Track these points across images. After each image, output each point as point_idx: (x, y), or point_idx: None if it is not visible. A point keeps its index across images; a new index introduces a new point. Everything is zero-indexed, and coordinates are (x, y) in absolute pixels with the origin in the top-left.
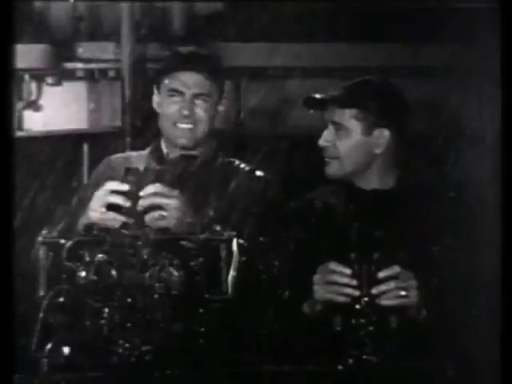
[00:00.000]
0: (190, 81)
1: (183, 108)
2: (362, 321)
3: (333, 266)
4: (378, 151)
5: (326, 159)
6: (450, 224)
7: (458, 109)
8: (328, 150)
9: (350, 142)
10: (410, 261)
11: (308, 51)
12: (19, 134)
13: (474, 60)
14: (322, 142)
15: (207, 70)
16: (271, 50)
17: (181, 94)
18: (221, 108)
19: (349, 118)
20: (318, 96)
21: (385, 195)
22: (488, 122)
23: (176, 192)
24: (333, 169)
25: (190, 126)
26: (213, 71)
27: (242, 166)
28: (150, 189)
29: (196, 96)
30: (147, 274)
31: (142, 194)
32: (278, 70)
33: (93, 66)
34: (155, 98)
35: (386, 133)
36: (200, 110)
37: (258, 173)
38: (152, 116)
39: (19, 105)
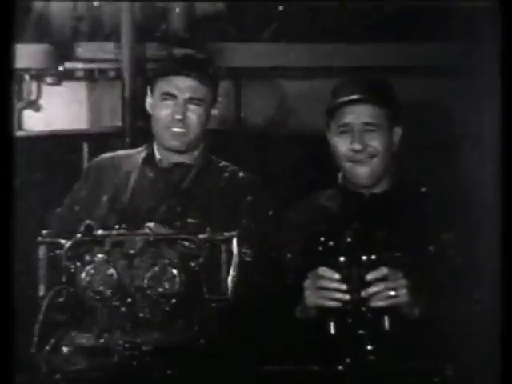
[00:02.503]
0: (183, 85)
1: (176, 112)
2: (356, 323)
3: (322, 271)
4: (394, 149)
5: (357, 165)
6: (447, 224)
7: (458, 109)
8: (361, 153)
9: (383, 140)
10: (404, 261)
11: (308, 51)
12: (19, 133)
13: (474, 60)
14: (357, 146)
15: (202, 75)
16: (272, 50)
17: (174, 97)
18: (214, 112)
19: (381, 117)
20: (356, 97)
21: (381, 198)
22: (488, 122)
23: (170, 230)
24: (363, 171)
25: (181, 130)
26: (207, 76)
27: (237, 172)
28: (151, 225)
29: (189, 100)
30: (147, 274)
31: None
32: (278, 70)
33: (93, 65)
34: (148, 100)
35: (400, 131)
36: (192, 115)
37: (253, 178)
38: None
39: (19, 105)
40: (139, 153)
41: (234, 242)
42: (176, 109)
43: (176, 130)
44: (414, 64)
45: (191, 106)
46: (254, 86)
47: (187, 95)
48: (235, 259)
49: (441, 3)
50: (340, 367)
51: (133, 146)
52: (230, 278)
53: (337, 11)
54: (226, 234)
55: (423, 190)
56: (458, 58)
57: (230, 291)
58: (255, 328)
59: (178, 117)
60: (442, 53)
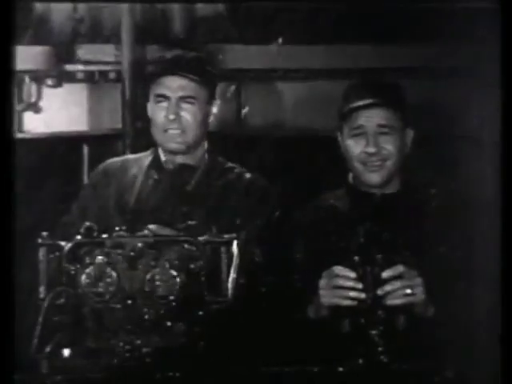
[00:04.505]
0: (174, 84)
1: (169, 112)
2: (370, 321)
3: (338, 270)
4: (406, 151)
5: (371, 166)
6: (451, 225)
7: (458, 109)
8: (376, 156)
9: (396, 142)
10: (414, 260)
11: (309, 53)
12: (19, 135)
13: (474, 60)
14: (371, 149)
15: (193, 73)
16: (273, 52)
17: (167, 98)
18: (214, 110)
19: (394, 119)
20: (370, 101)
21: (392, 198)
22: (488, 122)
23: (170, 232)
24: (378, 176)
25: (178, 131)
26: (199, 73)
27: (243, 173)
28: (153, 227)
29: (182, 99)
30: (147, 276)
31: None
32: (279, 71)
33: (93, 67)
34: (149, 106)
35: (412, 132)
36: (187, 114)
37: (259, 179)
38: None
39: (19, 106)
40: (146, 157)
41: (235, 244)
42: (169, 109)
43: (172, 132)
44: (414, 65)
45: (184, 105)
46: (254, 88)
47: (179, 94)
48: (236, 261)
49: (441, 4)
50: (342, 369)
51: (133, 148)
52: (230, 280)
53: (337, 12)
54: (226, 236)
55: (433, 191)
56: (458, 58)
57: (230, 293)
58: (258, 329)
59: (172, 117)
60: (442, 53)
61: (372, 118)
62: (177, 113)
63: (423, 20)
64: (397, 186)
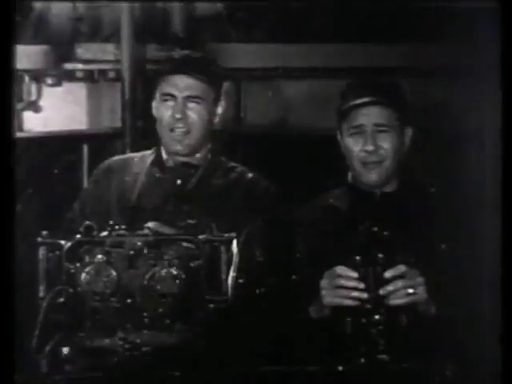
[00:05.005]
0: (182, 84)
1: (176, 111)
2: (372, 321)
3: (340, 270)
4: (405, 149)
5: (370, 165)
6: (451, 224)
7: (458, 109)
8: (374, 154)
9: (395, 141)
10: (415, 260)
11: (309, 52)
12: (19, 134)
13: (474, 60)
14: (369, 148)
15: (200, 73)
16: (272, 50)
17: (173, 97)
18: (219, 110)
19: (392, 118)
20: (368, 99)
21: (389, 197)
22: (488, 123)
23: (170, 230)
24: (376, 175)
25: (183, 130)
26: (206, 74)
27: (245, 172)
28: (153, 225)
29: (188, 98)
30: (147, 275)
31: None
32: (278, 70)
33: (93, 66)
34: (154, 104)
35: (411, 131)
36: (193, 113)
37: (260, 179)
38: (152, 117)
39: (19, 105)
40: (148, 155)
41: (234, 242)
42: (176, 108)
43: (179, 130)
44: (414, 65)
45: (191, 105)
46: (253, 87)
47: (185, 93)
48: (235, 260)
49: (441, 3)
50: (340, 367)
51: (133, 147)
52: (230, 279)
53: (336, 11)
54: (226, 235)
55: (432, 190)
56: (458, 58)
57: (230, 292)
58: (258, 329)
59: (178, 116)
60: (442, 53)
61: (370, 116)
62: (183, 112)
63: (423, 20)
64: (396, 184)
